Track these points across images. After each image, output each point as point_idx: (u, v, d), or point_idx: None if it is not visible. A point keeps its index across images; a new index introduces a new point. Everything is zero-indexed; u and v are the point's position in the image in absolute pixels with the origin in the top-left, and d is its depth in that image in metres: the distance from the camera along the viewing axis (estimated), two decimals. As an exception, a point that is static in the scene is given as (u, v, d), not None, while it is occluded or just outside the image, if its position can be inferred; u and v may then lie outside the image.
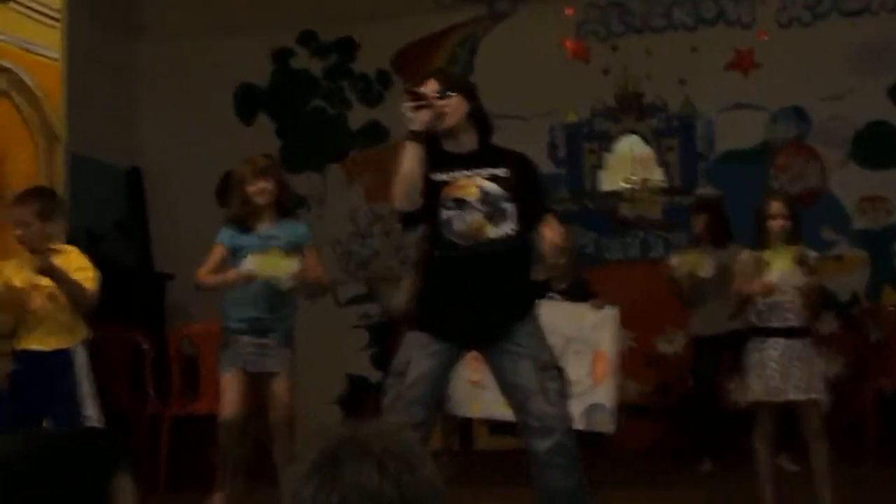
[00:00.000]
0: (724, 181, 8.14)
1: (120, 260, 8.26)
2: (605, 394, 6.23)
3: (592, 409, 6.15)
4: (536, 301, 4.40)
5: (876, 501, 5.81)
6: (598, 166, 8.47)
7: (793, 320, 5.12)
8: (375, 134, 8.69)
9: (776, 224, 5.19)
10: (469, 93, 4.33)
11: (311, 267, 5.43)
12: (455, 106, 4.24)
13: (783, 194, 5.90)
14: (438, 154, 4.24)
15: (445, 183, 4.22)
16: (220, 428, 5.38)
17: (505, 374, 4.21)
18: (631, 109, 8.41)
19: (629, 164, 8.41)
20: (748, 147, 8.21)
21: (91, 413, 4.90)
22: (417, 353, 4.20)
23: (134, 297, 7.72)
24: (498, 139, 8.58)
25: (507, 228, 4.20)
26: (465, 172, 4.22)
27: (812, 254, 5.28)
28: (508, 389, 4.22)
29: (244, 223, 5.43)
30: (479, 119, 4.34)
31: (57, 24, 6.00)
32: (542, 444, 4.11)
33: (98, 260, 5.16)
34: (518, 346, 4.18)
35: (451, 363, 4.28)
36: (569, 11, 8.41)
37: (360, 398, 8.43)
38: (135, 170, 8.88)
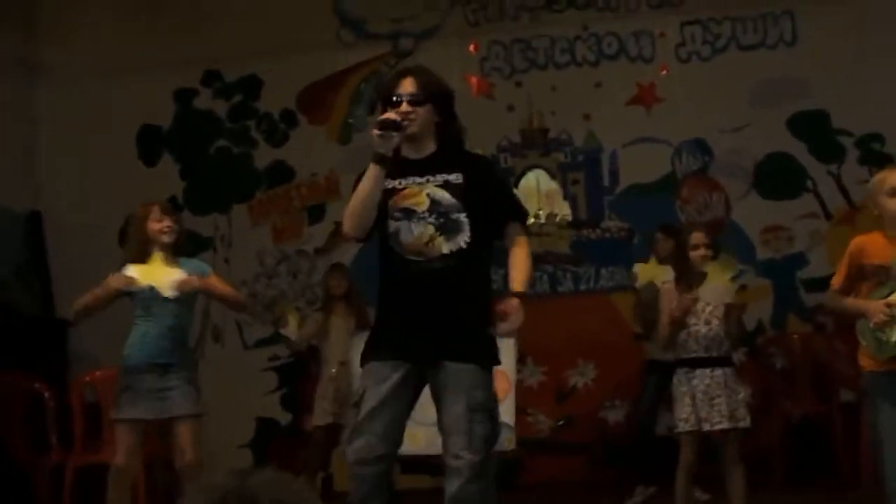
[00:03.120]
0: (631, 214, 8.22)
1: (20, 306, 8.06)
2: (506, 411, 6.13)
3: None
4: (485, 341, 4.07)
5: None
6: (506, 202, 8.46)
7: (714, 350, 5.20)
8: (281, 173, 8.61)
9: (698, 254, 5.28)
10: (443, 103, 4.11)
11: (217, 285, 5.54)
12: (422, 116, 4.03)
13: (703, 225, 5.94)
14: (394, 159, 3.99)
15: (394, 191, 4.02)
16: (110, 477, 5.28)
17: (439, 408, 3.98)
18: (536, 145, 8.45)
19: (536, 199, 8.44)
20: (653, 180, 8.29)
21: None
22: (371, 384, 3.95)
23: (35, 345, 7.53)
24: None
25: (460, 241, 3.98)
26: (417, 179, 4.03)
27: (728, 275, 5.40)
28: (439, 424, 3.99)
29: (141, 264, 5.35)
30: (445, 128, 4.13)
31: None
32: (451, 485, 3.89)
33: (-4, 307, 5.04)
34: (458, 383, 3.92)
35: (406, 391, 3.98)
36: (472, 48, 8.46)
37: (270, 441, 8.30)
38: (34, 214, 8.68)
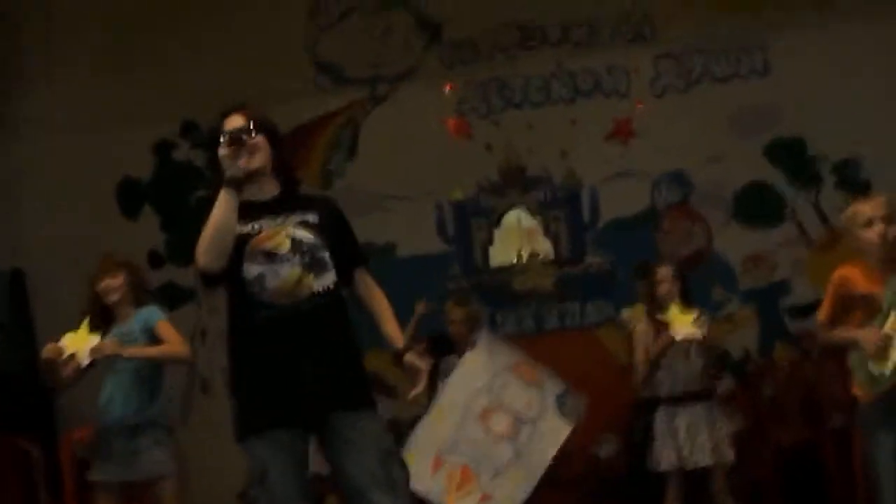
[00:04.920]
0: (613, 248, 8.26)
1: (4, 365, 8.00)
2: (552, 385, 6.02)
3: (560, 402, 5.94)
4: (370, 384, 3.88)
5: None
6: (488, 242, 8.50)
7: (693, 385, 5.22)
8: (263, 222, 8.59)
9: (663, 289, 5.32)
10: (274, 135, 3.88)
11: (164, 338, 5.36)
12: (262, 147, 3.79)
13: (668, 259, 5.99)
14: (241, 204, 3.71)
15: (249, 235, 3.72)
16: None
17: (344, 463, 3.70)
18: (515, 184, 8.49)
19: (517, 237, 8.47)
20: (633, 213, 8.33)
21: None
22: (272, 453, 3.65)
23: (21, 403, 7.48)
24: (385, 220, 8.58)
25: (328, 280, 3.75)
26: (271, 221, 3.76)
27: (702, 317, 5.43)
28: (347, 480, 3.70)
29: (102, 323, 5.36)
30: (283, 166, 3.90)
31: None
32: None
33: (-19, 367, 5.03)
34: (359, 433, 3.70)
35: (304, 445, 3.75)
36: (447, 87, 8.50)
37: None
38: (17, 271, 8.64)
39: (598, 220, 8.40)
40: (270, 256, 3.71)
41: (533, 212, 8.50)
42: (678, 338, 5.30)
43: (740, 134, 8.13)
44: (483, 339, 6.10)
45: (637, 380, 5.48)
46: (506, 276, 8.43)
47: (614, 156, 8.34)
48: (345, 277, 3.86)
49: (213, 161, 3.78)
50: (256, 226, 3.75)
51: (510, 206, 8.53)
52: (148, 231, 8.65)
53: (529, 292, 8.40)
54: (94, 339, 5.26)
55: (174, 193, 8.78)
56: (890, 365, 4.19)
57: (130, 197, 8.82)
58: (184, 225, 8.72)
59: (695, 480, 5.33)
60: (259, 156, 3.78)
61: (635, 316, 6.86)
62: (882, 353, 4.20)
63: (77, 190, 8.60)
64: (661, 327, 5.38)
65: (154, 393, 5.39)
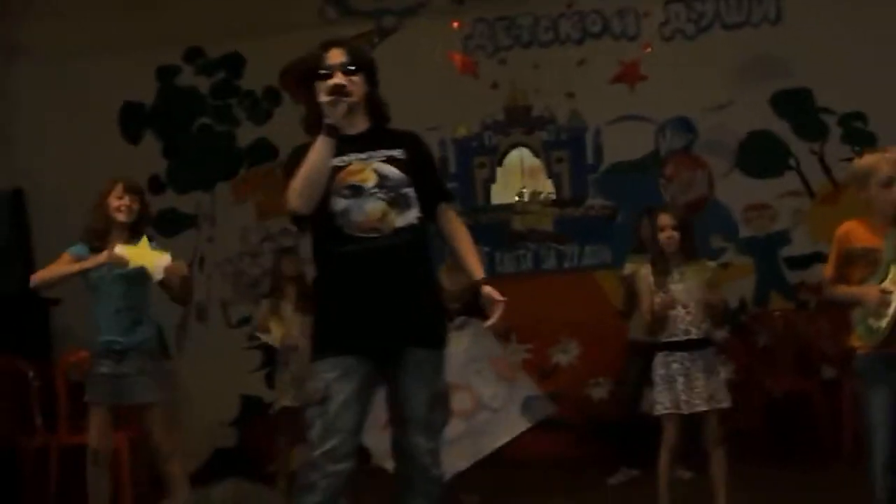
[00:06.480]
0: (615, 192, 8.25)
1: (2, 286, 8.01)
2: (527, 385, 6.29)
3: (527, 402, 6.21)
4: (445, 319, 4.07)
5: (767, 502, 5.93)
6: (490, 180, 8.48)
7: (694, 333, 5.24)
8: (264, 152, 8.56)
9: (665, 236, 5.32)
10: (372, 73, 3.97)
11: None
12: (358, 84, 3.87)
13: (672, 207, 5.96)
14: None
15: (337, 168, 3.82)
16: (88, 458, 5.32)
17: (398, 393, 3.87)
18: (520, 123, 8.45)
19: (519, 176, 8.45)
20: (637, 158, 8.30)
21: None
22: (337, 377, 3.76)
23: (17, 324, 7.49)
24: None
25: (412, 216, 3.85)
26: (359, 156, 3.85)
27: (710, 264, 5.44)
28: (395, 410, 3.90)
29: (98, 241, 5.37)
30: (375, 102, 3.97)
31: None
32: (411, 469, 3.86)
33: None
34: (422, 371, 3.85)
35: (371, 380, 3.85)
36: (455, 25, 8.44)
37: (254, 419, 8.30)
38: (17, 192, 8.61)
39: (601, 163, 8.38)
40: (356, 190, 3.82)
41: (536, 151, 8.47)
42: (684, 301, 5.30)
43: (748, 82, 8.08)
44: (472, 325, 6.12)
45: (645, 330, 5.49)
46: (506, 215, 8.43)
47: (620, 99, 8.27)
48: (429, 212, 3.96)
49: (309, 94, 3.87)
50: (346, 159, 3.83)
51: (514, 145, 8.50)
52: (149, 156, 8.61)
53: (529, 232, 8.39)
54: (165, 257, 5.30)
55: (176, 119, 8.75)
56: (886, 319, 4.22)
57: (132, 121, 8.77)
58: (185, 151, 8.72)
59: (689, 426, 5.35)
60: (355, 93, 3.84)
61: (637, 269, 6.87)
62: (881, 308, 4.23)
63: (80, 113, 8.53)
64: (660, 275, 5.36)
65: (140, 319, 5.43)
